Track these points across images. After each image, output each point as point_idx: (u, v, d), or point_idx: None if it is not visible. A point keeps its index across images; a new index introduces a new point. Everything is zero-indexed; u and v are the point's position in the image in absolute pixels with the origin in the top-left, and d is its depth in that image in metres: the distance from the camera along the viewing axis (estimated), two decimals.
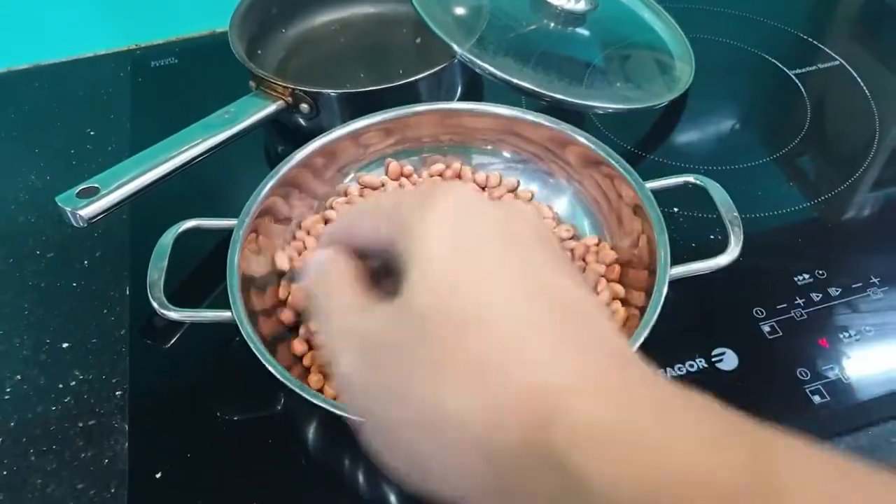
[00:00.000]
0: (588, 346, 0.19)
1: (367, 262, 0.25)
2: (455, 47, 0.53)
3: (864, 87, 0.63)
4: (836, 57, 0.66)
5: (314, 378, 0.41)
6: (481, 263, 0.20)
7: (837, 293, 0.46)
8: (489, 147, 0.52)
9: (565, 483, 0.17)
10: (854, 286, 0.47)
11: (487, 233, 0.21)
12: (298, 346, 0.42)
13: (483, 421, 0.18)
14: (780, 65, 0.65)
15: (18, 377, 0.45)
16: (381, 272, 0.24)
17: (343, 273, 0.24)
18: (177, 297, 0.42)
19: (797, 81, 0.64)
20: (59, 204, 0.45)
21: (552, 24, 0.57)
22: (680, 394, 0.18)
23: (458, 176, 0.51)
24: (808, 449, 0.17)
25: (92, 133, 0.62)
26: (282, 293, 0.45)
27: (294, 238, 0.48)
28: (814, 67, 0.65)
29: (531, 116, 0.49)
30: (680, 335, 0.44)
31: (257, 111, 0.53)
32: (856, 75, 0.64)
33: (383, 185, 0.51)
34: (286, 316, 0.44)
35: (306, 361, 0.42)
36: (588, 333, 0.20)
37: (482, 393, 0.18)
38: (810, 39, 0.68)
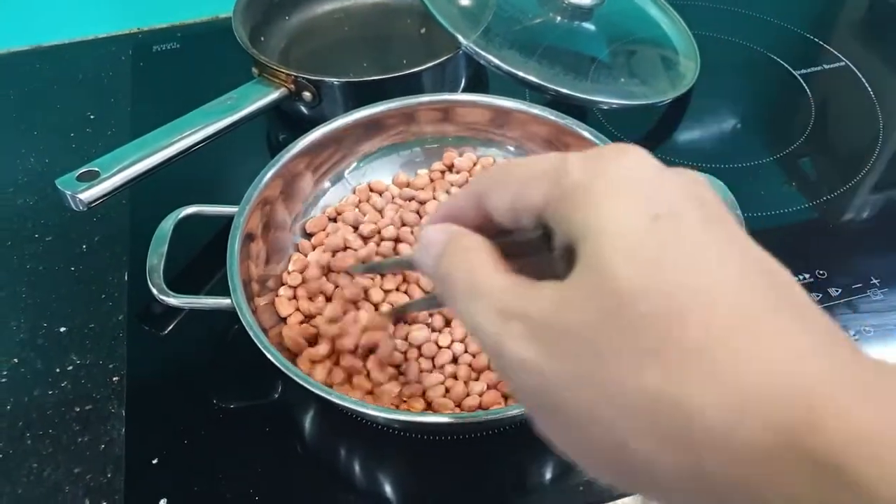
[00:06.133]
0: (815, 332, 0.17)
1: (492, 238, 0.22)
2: (460, 38, 0.52)
3: (869, 89, 0.63)
4: (842, 58, 0.66)
5: (308, 366, 0.41)
6: (685, 233, 0.18)
7: (838, 293, 0.46)
8: (493, 139, 0.52)
9: (832, 487, 0.15)
10: (854, 287, 0.47)
11: (681, 198, 0.19)
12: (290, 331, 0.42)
13: (717, 417, 0.16)
14: (785, 64, 0.65)
15: (15, 360, 0.45)
16: (508, 251, 0.22)
17: (484, 248, 0.21)
18: (176, 283, 0.42)
19: (802, 81, 0.64)
20: (59, 187, 0.44)
21: (558, 18, 0.56)
22: None
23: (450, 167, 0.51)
24: None
25: (92, 116, 0.61)
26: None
27: (297, 248, 0.47)
28: (819, 68, 0.65)
29: (536, 110, 0.49)
30: None
31: (259, 98, 0.53)
32: (861, 76, 0.64)
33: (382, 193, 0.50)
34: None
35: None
36: (807, 315, 0.17)
37: (713, 385, 0.16)
38: (816, 40, 0.68)
